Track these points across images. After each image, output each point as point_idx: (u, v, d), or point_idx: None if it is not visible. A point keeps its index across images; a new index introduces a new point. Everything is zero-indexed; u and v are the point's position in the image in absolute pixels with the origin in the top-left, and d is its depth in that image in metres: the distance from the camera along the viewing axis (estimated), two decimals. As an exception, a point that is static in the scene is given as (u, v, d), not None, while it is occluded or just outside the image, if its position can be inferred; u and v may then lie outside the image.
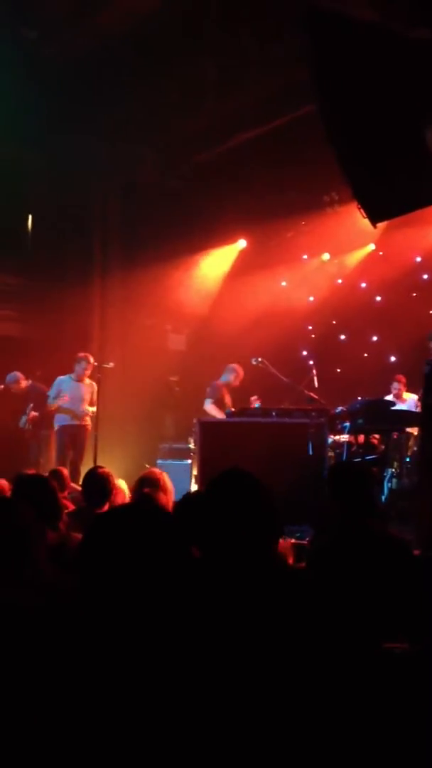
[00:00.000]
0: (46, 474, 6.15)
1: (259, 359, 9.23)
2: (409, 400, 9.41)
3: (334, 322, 12.04)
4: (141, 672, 1.42)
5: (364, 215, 6.50)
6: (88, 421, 9.24)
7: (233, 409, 8.70)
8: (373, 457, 8.20)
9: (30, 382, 9.75)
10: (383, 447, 8.35)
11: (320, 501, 5.48)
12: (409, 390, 9.56)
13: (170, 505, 4.25)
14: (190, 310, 11.55)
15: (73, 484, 6.91)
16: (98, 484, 4.64)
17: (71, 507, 5.18)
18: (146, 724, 1.39)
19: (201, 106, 9.45)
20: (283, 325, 11.19)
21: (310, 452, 7.26)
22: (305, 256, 11.84)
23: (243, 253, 11.56)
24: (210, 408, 9.25)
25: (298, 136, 8.65)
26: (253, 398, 9.74)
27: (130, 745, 1.37)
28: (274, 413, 7.94)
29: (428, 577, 2.89)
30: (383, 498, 7.80)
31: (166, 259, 10.68)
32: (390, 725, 1.65)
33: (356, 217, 7.38)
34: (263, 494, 1.90)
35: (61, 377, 9.27)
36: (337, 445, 8.46)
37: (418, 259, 11.17)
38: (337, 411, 8.26)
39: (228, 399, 9.49)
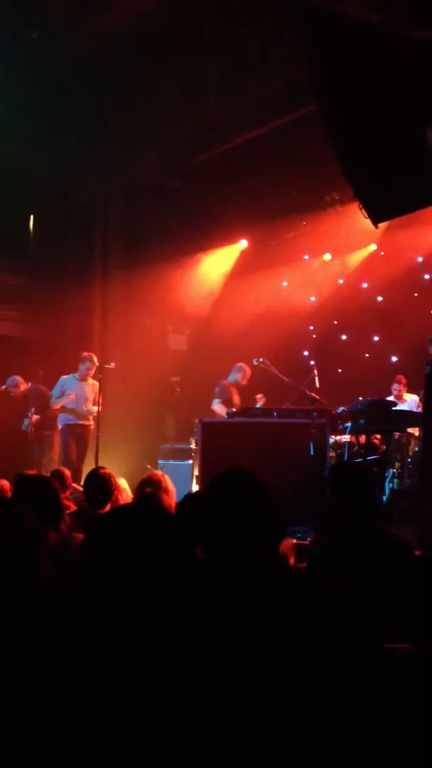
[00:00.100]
0: (48, 474, 6.15)
1: (261, 359, 9.23)
2: (410, 401, 9.41)
3: (335, 323, 12.03)
4: (142, 673, 1.41)
5: (366, 215, 6.49)
6: (91, 420, 9.24)
7: (234, 410, 8.70)
8: (375, 457, 8.19)
9: (30, 384, 9.74)
10: (384, 447, 8.34)
11: (321, 501, 5.47)
12: (410, 390, 9.56)
13: (172, 507, 4.24)
14: (192, 311, 11.55)
15: (74, 485, 6.90)
16: (100, 484, 4.63)
17: (73, 507, 5.18)
18: (147, 726, 1.39)
19: (202, 107, 9.46)
20: (285, 325, 11.18)
21: (312, 452, 7.26)
22: (306, 257, 11.84)
23: (244, 254, 11.56)
24: (218, 408, 9.25)
25: (299, 137, 8.65)
26: (259, 396, 9.74)
27: (129, 745, 1.37)
28: (275, 413, 7.94)
29: (430, 578, 2.89)
30: (384, 498, 7.79)
31: (167, 260, 10.67)
32: (392, 725, 1.65)
33: (358, 217, 7.39)
34: (266, 494, 1.89)
35: (65, 377, 9.25)
36: (339, 445, 8.45)
37: (420, 259, 11.16)
38: (339, 411, 8.25)
39: (237, 398, 9.49)
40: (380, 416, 7.97)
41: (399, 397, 9.46)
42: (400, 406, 9.01)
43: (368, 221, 6.63)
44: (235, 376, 9.68)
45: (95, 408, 9.17)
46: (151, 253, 10.64)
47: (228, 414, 8.68)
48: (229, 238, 11.40)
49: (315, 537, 5.15)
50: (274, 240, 11.37)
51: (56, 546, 3.06)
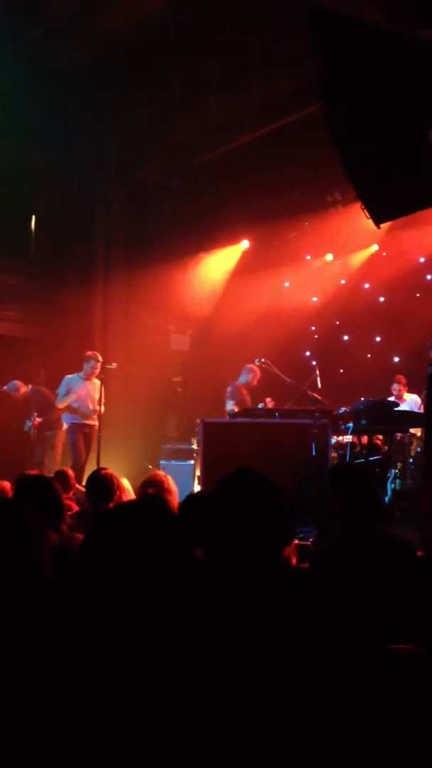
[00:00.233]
0: (51, 475, 6.15)
1: (262, 360, 9.23)
2: (410, 400, 9.41)
3: (337, 323, 12.03)
4: (142, 673, 1.41)
5: (368, 216, 6.48)
6: (95, 420, 9.21)
7: (236, 410, 8.69)
8: (377, 457, 8.18)
9: (30, 387, 9.73)
10: (386, 448, 8.33)
11: (323, 502, 5.47)
12: (410, 390, 9.55)
13: (175, 507, 4.24)
14: (194, 311, 11.55)
15: (78, 486, 6.89)
16: (102, 485, 4.62)
17: (76, 508, 5.16)
18: (147, 727, 1.38)
19: (204, 107, 9.47)
20: (286, 325, 11.18)
21: (314, 453, 7.25)
22: (308, 257, 11.83)
23: (246, 254, 11.55)
24: (233, 409, 9.24)
25: (301, 137, 8.64)
26: (268, 400, 9.73)
27: (129, 746, 1.36)
28: (277, 414, 7.94)
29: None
30: (387, 499, 7.78)
31: (169, 260, 10.68)
32: (396, 725, 1.64)
33: (360, 218, 7.36)
34: (277, 497, 1.88)
35: (70, 376, 9.21)
36: (341, 445, 8.45)
37: (422, 259, 11.15)
38: (341, 411, 8.25)
39: (249, 399, 9.48)
40: (382, 416, 7.96)
41: (399, 397, 9.46)
42: (401, 406, 9.00)
43: (370, 222, 6.62)
44: (245, 377, 9.67)
45: (101, 408, 9.13)
46: (152, 253, 10.65)
47: (230, 414, 8.67)
48: (231, 239, 11.40)
49: (317, 537, 5.15)
50: (276, 240, 11.37)
51: (57, 546, 3.06)
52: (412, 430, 8.30)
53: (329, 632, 1.62)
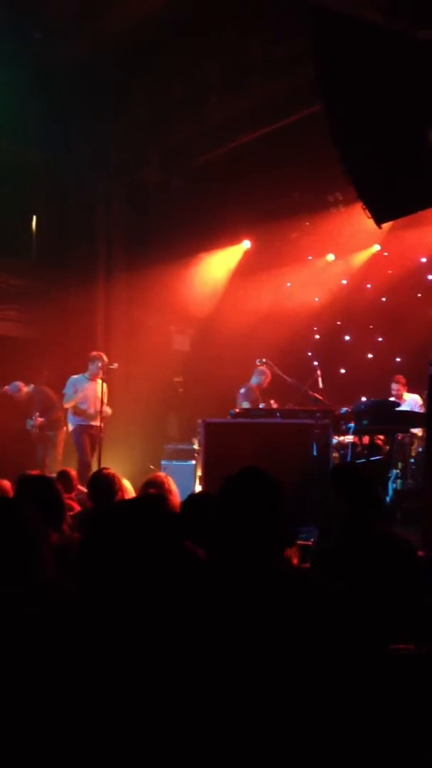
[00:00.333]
0: (53, 475, 6.14)
1: (263, 360, 9.22)
2: (409, 400, 9.40)
3: (338, 323, 12.02)
4: (142, 672, 1.41)
5: (369, 215, 6.48)
6: (99, 421, 9.19)
7: (236, 410, 8.69)
8: (378, 457, 8.18)
9: (32, 387, 9.73)
10: (388, 448, 8.33)
11: (325, 502, 5.46)
12: (412, 390, 9.54)
13: (176, 507, 4.24)
14: (195, 311, 11.55)
15: (80, 487, 6.88)
16: (103, 485, 4.62)
17: (77, 508, 5.16)
18: (148, 726, 1.38)
19: (204, 107, 9.47)
20: (288, 325, 11.18)
21: (315, 453, 7.25)
22: (310, 257, 11.83)
23: (247, 254, 11.56)
24: None
25: (302, 137, 8.64)
26: (272, 401, 9.74)
27: (130, 745, 1.36)
28: (278, 414, 7.94)
29: (433, 578, 2.89)
30: (388, 499, 7.78)
31: (170, 260, 10.67)
32: (397, 725, 1.64)
33: (361, 218, 7.35)
34: (282, 496, 1.87)
35: (75, 376, 9.18)
36: (342, 445, 8.44)
37: (424, 259, 11.15)
38: (342, 412, 8.25)
39: (260, 400, 9.49)
40: (383, 417, 7.96)
41: (398, 397, 9.45)
42: (401, 406, 9.00)
43: (371, 221, 6.62)
44: (258, 379, 9.68)
45: (108, 409, 9.10)
46: (154, 253, 10.65)
47: (230, 414, 8.67)
48: (232, 239, 11.41)
49: (318, 537, 5.15)
50: (278, 240, 11.36)
51: (58, 546, 3.06)
52: (413, 430, 8.30)
53: (330, 632, 1.62)
